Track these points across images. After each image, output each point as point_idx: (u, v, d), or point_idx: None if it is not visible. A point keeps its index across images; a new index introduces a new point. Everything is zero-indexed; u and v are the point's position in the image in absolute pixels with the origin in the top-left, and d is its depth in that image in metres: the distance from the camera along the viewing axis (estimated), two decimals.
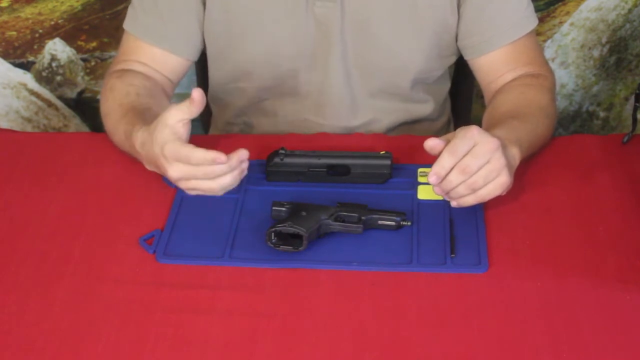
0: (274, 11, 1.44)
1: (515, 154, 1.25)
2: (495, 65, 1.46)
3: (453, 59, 1.54)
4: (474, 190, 1.18)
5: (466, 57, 1.50)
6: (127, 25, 1.48)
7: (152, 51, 1.46)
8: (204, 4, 1.45)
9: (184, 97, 1.20)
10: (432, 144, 1.18)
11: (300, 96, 1.52)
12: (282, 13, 1.44)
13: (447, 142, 1.18)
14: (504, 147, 1.22)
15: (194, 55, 1.50)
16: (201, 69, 1.70)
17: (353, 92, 1.51)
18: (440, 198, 1.24)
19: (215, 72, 1.55)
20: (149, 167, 1.27)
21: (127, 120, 1.32)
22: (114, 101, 1.39)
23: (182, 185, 1.20)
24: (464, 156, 1.16)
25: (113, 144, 1.39)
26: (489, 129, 1.33)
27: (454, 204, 1.21)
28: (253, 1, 1.44)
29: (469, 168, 1.16)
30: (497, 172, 1.18)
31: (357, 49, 1.46)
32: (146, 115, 1.32)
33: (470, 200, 1.20)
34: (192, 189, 1.20)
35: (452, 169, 1.17)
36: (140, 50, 1.46)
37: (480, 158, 1.17)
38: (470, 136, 1.17)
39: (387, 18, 1.44)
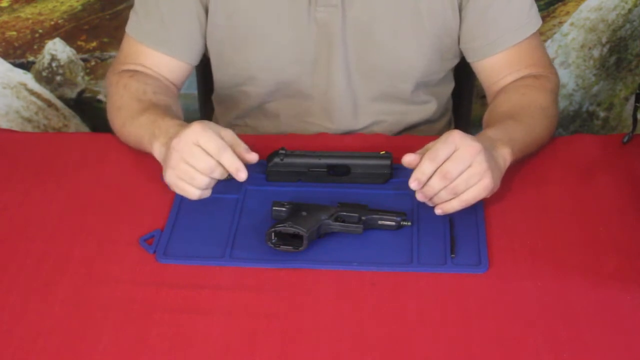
0: (276, 16, 1.44)
1: (506, 155, 1.26)
2: (498, 68, 1.46)
3: (455, 62, 1.55)
4: (456, 195, 1.19)
5: (469, 60, 1.50)
6: (129, 29, 1.49)
7: (153, 55, 1.46)
8: (207, 9, 1.46)
9: (186, 98, 1.20)
10: (409, 159, 1.20)
11: (302, 99, 1.52)
12: (284, 18, 1.44)
13: (427, 150, 1.19)
14: (491, 149, 1.22)
15: (195, 60, 1.50)
16: (202, 72, 1.70)
17: (355, 95, 1.51)
18: None
19: (218, 75, 1.56)
20: (158, 154, 1.27)
21: (153, 112, 1.33)
22: (130, 97, 1.39)
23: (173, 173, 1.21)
24: (445, 161, 1.17)
25: (115, 141, 1.40)
26: (485, 129, 1.34)
27: (438, 211, 1.21)
28: (255, 7, 1.44)
29: (449, 174, 1.17)
30: (479, 176, 1.19)
31: (358, 52, 1.46)
32: (169, 112, 1.34)
33: (455, 205, 1.20)
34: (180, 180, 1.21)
35: (432, 174, 1.17)
36: (142, 55, 1.47)
37: (460, 163, 1.17)
38: (452, 141, 1.17)
39: (388, 22, 1.44)
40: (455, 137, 1.18)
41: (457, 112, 1.73)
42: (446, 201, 1.20)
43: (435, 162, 1.17)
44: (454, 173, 1.17)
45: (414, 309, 1.12)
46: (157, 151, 1.27)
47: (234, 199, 1.29)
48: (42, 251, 1.22)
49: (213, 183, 1.21)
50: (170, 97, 1.43)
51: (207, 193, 1.22)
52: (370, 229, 1.23)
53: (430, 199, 1.21)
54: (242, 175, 1.19)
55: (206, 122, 1.22)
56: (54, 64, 2.14)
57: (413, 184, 1.19)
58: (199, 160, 1.18)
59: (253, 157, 1.23)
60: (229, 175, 1.20)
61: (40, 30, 2.10)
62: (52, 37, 2.11)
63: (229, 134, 1.22)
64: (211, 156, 1.18)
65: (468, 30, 1.46)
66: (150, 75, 1.46)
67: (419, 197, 1.21)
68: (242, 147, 1.23)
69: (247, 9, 1.44)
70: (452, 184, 1.18)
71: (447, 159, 1.17)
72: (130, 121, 1.36)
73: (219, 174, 1.20)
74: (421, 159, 1.19)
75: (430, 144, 1.20)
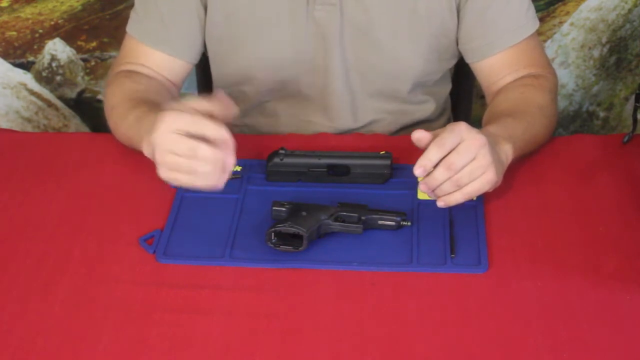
0: (275, 15, 1.44)
1: (508, 151, 1.26)
2: (497, 68, 1.46)
3: (452, 62, 1.55)
4: (460, 187, 1.19)
5: (467, 61, 1.50)
6: (129, 28, 1.49)
7: (154, 54, 1.47)
8: (205, 8, 1.46)
9: (185, 97, 1.19)
10: (419, 135, 1.19)
11: (301, 98, 1.52)
12: (282, 17, 1.44)
13: (435, 136, 1.18)
14: (494, 144, 1.22)
15: (195, 58, 1.51)
16: (202, 70, 1.70)
17: (353, 94, 1.51)
18: None
19: (217, 75, 1.56)
20: (147, 152, 1.23)
21: (140, 109, 1.32)
22: (122, 96, 1.39)
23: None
24: (450, 153, 1.17)
25: (115, 141, 1.40)
26: (485, 126, 1.34)
27: (440, 203, 1.21)
28: (254, 6, 1.44)
29: (454, 165, 1.17)
30: (483, 169, 1.18)
31: (356, 52, 1.46)
32: (158, 110, 1.32)
33: (457, 197, 1.20)
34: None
35: (437, 163, 1.17)
36: (142, 54, 1.47)
37: (465, 155, 1.17)
38: (458, 132, 1.17)
39: (386, 22, 1.44)
40: (461, 128, 1.18)
41: (457, 112, 1.73)
42: (449, 193, 1.20)
43: (442, 150, 1.16)
44: (458, 165, 1.17)
45: (414, 309, 1.12)
46: (146, 152, 1.25)
47: (234, 199, 1.29)
48: (42, 251, 1.22)
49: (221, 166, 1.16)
50: (164, 96, 1.42)
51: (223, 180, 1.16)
52: (370, 229, 1.23)
53: (433, 190, 1.21)
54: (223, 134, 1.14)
55: (172, 109, 1.17)
56: (54, 64, 2.14)
57: (418, 170, 1.17)
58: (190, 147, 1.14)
59: (228, 105, 1.18)
60: (233, 173, 1.18)
61: (40, 30, 2.10)
62: (52, 37, 2.11)
63: (200, 103, 1.17)
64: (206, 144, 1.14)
65: (466, 31, 1.46)
66: (146, 74, 1.46)
67: (422, 187, 1.20)
68: (216, 107, 1.18)
69: (246, 8, 1.44)
70: (456, 175, 1.18)
71: (453, 150, 1.17)
72: (121, 121, 1.36)
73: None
74: (430, 140, 1.18)
75: (438, 131, 1.19)
